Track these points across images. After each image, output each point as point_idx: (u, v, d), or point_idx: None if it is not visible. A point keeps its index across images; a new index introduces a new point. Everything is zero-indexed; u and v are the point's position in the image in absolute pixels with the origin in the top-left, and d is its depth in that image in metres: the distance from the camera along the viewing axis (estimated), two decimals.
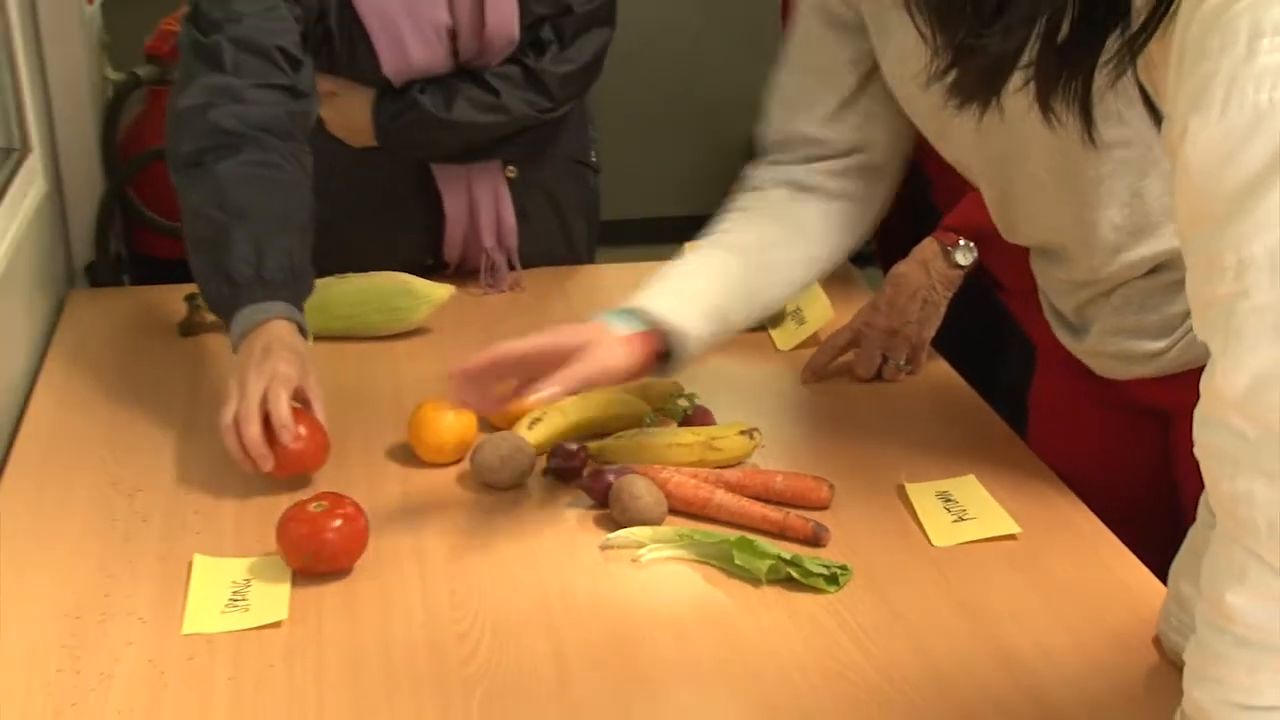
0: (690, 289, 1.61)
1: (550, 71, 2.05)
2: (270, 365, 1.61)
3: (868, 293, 2.10)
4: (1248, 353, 0.87)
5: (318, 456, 1.65)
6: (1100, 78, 1.00)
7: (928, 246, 1.91)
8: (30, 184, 2.15)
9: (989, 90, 1.02)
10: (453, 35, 2.01)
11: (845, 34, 1.62)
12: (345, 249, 2.05)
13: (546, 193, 2.20)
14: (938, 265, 1.90)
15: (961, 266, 1.88)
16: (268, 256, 1.69)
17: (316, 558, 1.47)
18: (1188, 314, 1.47)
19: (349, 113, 2.05)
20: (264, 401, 1.59)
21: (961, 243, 1.87)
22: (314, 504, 1.48)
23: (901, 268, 1.93)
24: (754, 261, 1.65)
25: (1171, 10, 0.91)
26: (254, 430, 1.57)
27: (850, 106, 1.64)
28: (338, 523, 1.47)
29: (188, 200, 1.77)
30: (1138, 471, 1.62)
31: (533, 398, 1.50)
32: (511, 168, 2.13)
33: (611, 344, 1.54)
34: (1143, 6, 0.93)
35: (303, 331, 1.70)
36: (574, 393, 1.55)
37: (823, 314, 2.03)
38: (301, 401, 1.64)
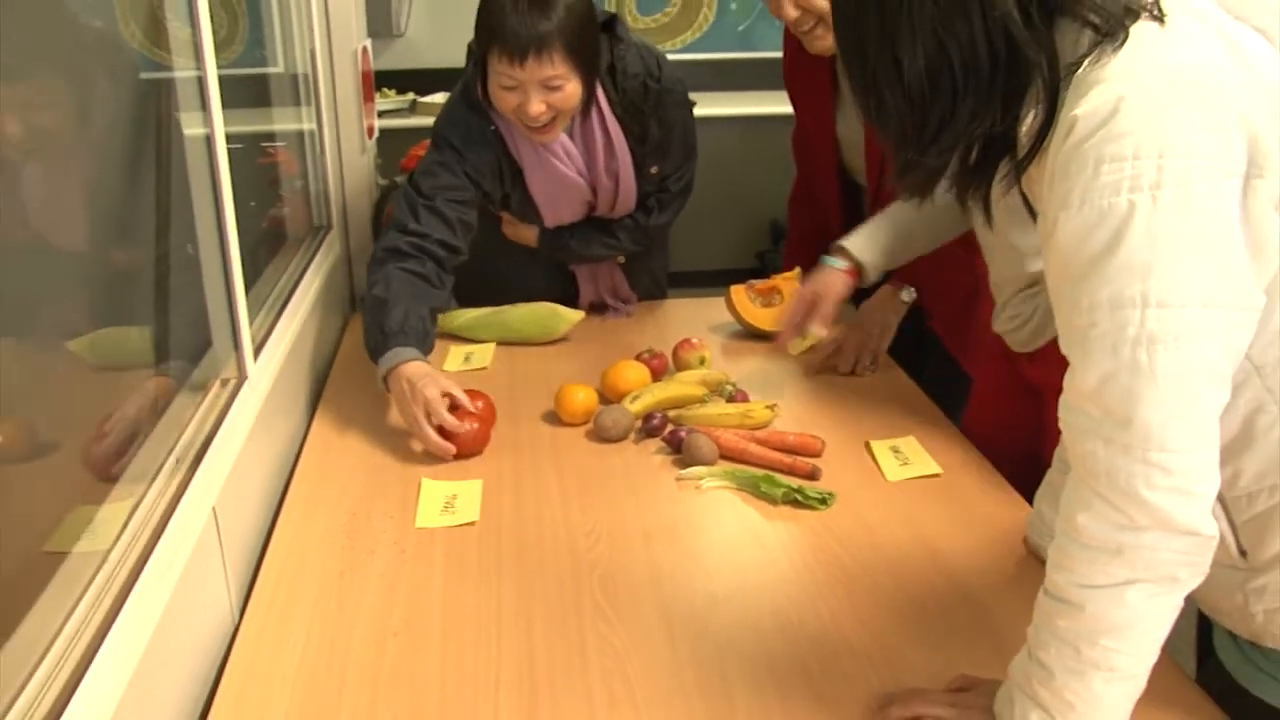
0: (878, 236, 1.70)
1: (652, 225, 2.02)
2: (420, 395, 1.56)
3: (847, 317, 2.06)
4: (1095, 363, 0.86)
5: (483, 441, 1.59)
6: (997, 187, 0.98)
7: (884, 289, 1.88)
8: (331, 248, 2.17)
9: (926, 190, 1.00)
10: (591, 206, 1.99)
11: None
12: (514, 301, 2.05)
13: (645, 267, 2.17)
14: (891, 302, 1.87)
15: (906, 303, 1.85)
16: (410, 320, 1.67)
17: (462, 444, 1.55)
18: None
19: (520, 235, 2.03)
20: (429, 418, 1.54)
21: (906, 287, 1.84)
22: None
23: (868, 303, 1.90)
24: (916, 226, 1.68)
25: (1044, 146, 0.89)
26: (434, 439, 1.54)
27: None
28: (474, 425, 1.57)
29: (371, 283, 1.75)
30: (1020, 432, 1.57)
31: (816, 333, 1.75)
32: (621, 257, 2.11)
33: (833, 278, 1.70)
34: (1025, 144, 0.91)
35: (426, 359, 1.66)
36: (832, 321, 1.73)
37: (819, 331, 2.00)
38: (453, 404, 1.58)
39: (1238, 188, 0.82)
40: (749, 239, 4.67)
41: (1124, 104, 0.82)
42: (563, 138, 1.87)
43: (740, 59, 4.60)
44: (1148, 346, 0.82)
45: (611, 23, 1.84)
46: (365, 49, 2.37)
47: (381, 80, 3.62)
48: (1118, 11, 0.86)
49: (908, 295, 1.84)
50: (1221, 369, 0.85)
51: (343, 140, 2.31)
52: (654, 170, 1.96)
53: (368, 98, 2.40)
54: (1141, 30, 0.86)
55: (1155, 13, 0.87)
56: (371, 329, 1.69)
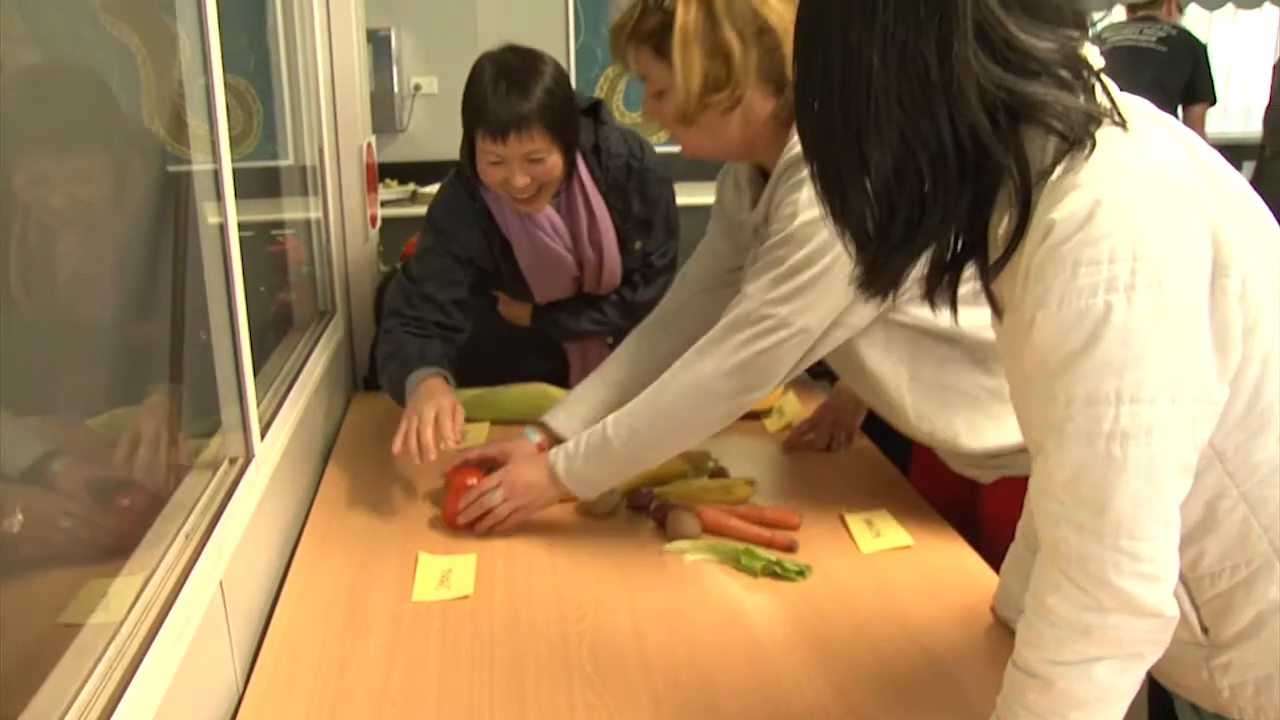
0: (577, 409, 1.67)
1: (637, 301, 2.05)
2: (436, 401, 1.65)
3: (822, 396, 2.08)
4: (1069, 454, 0.87)
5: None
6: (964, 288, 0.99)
7: None
8: (335, 331, 2.19)
9: (889, 289, 0.99)
10: (579, 281, 2.02)
11: (740, 234, 1.60)
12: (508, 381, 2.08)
13: None
14: None
15: None
16: (427, 353, 1.79)
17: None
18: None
19: (514, 313, 2.08)
20: (436, 421, 1.61)
21: None
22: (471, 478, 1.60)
23: (841, 382, 1.90)
24: (618, 390, 1.65)
25: (1017, 250, 0.90)
26: (428, 432, 1.60)
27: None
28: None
29: (382, 354, 1.86)
30: (958, 508, 1.59)
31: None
32: (610, 338, 2.13)
33: (527, 449, 1.65)
34: (1000, 246, 0.91)
35: (450, 384, 1.78)
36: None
37: (796, 409, 2.02)
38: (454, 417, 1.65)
39: (1205, 288, 0.84)
40: None
41: (1100, 208, 0.83)
42: (549, 211, 1.91)
43: None
44: (1121, 440, 0.84)
45: (596, 107, 1.91)
46: (370, 144, 2.42)
47: (384, 172, 3.69)
48: (1081, 119, 0.87)
49: None
50: (1188, 460, 0.87)
51: (347, 229, 2.34)
52: (638, 245, 2.00)
53: (371, 188, 2.45)
54: (1109, 136, 0.87)
55: (1116, 119, 0.88)
56: (392, 373, 1.81)
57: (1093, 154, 0.86)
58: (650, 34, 1.38)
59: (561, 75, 1.77)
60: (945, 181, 0.89)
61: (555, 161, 1.77)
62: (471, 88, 1.74)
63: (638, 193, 1.95)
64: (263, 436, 1.47)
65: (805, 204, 1.35)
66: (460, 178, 1.91)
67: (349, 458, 1.88)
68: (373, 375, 2.40)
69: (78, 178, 1.17)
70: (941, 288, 0.98)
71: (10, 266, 1.02)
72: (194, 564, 1.13)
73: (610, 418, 1.49)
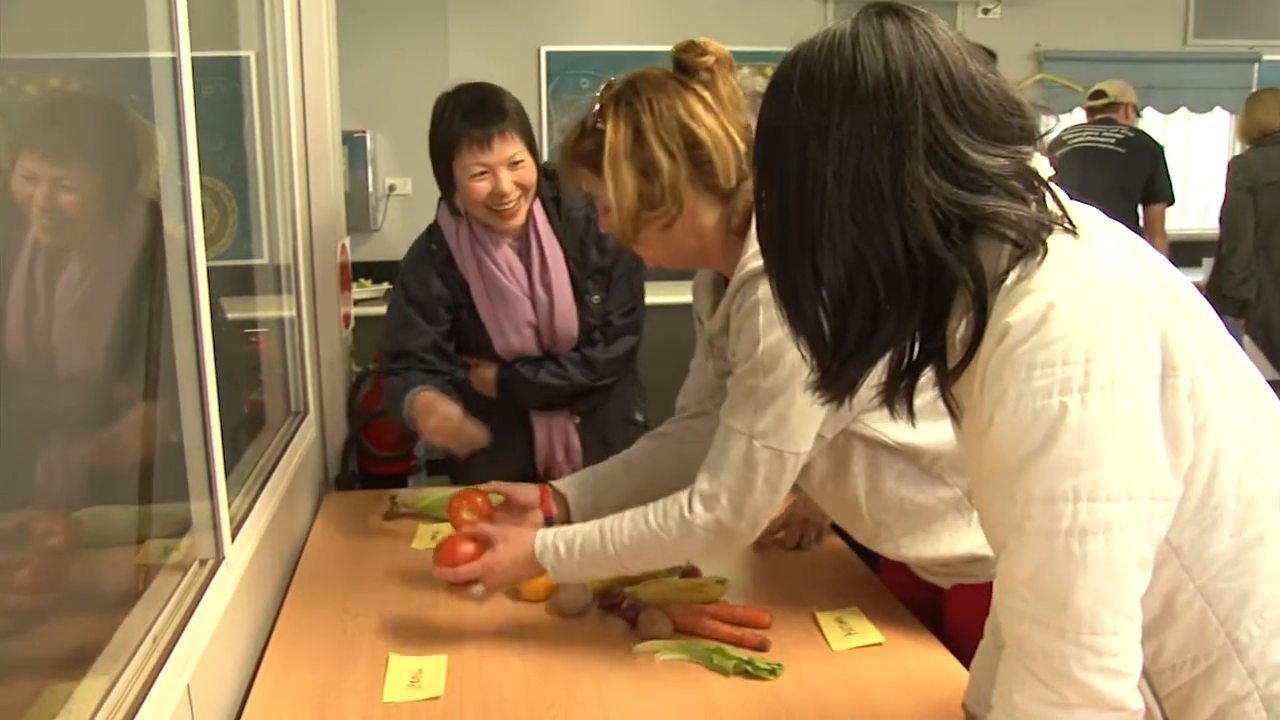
0: (589, 481, 1.70)
1: (597, 358, 2.09)
2: (439, 411, 1.85)
3: (793, 495, 2.10)
4: (1029, 551, 0.89)
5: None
6: (922, 393, 1.02)
7: None
8: (307, 431, 2.20)
9: (844, 395, 1.01)
10: (537, 331, 2.07)
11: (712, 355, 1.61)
12: (481, 463, 2.07)
13: (600, 436, 2.18)
14: None
15: None
16: (411, 382, 1.95)
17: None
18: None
19: (482, 375, 2.11)
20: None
21: None
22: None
23: None
24: (633, 472, 1.70)
25: (973, 358, 0.93)
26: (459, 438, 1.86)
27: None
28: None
29: (386, 395, 2.03)
30: (924, 608, 1.61)
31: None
32: (577, 417, 2.16)
33: (533, 490, 1.68)
34: (959, 352, 0.94)
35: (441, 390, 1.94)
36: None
37: None
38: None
39: (1156, 387, 0.88)
40: None
41: (1053, 312, 0.87)
42: (506, 252, 2.02)
43: None
44: (1079, 538, 0.86)
45: None
46: (344, 244, 2.47)
47: (358, 271, 3.73)
48: (1033, 227, 0.91)
49: None
50: (1145, 555, 0.90)
51: (321, 328, 2.37)
52: (596, 300, 2.06)
53: (345, 288, 2.49)
54: (1061, 242, 0.91)
55: (1067, 225, 0.93)
56: (394, 402, 1.97)
57: (1045, 259, 0.90)
58: (588, 155, 1.42)
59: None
60: (898, 293, 0.93)
61: (531, 166, 1.93)
62: (442, 119, 1.91)
63: (595, 243, 2.05)
64: (233, 538, 1.48)
65: (765, 327, 1.36)
66: (427, 232, 2.05)
67: (320, 558, 1.89)
68: (344, 475, 2.42)
69: (62, 181, 1.18)
70: (899, 394, 1.01)
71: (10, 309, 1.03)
72: (161, 667, 1.13)
73: (613, 533, 1.45)
